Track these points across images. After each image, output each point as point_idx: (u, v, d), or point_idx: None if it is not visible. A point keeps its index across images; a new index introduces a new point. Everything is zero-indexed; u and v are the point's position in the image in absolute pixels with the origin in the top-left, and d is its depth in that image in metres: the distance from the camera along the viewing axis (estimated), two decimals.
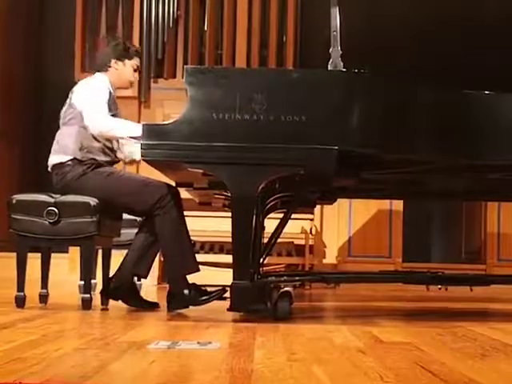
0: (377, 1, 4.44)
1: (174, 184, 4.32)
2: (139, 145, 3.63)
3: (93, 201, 4.05)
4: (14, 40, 8.25)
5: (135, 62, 4.40)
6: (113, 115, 4.15)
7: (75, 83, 4.45)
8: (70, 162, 4.15)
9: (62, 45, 8.63)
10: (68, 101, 4.25)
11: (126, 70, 4.37)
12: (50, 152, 4.25)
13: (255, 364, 2.31)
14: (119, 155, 4.40)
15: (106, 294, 4.26)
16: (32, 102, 8.97)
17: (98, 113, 4.09)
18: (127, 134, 3.98)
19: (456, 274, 5.02)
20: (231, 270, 3.65)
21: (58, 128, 4.28)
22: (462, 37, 4.35)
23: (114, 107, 4.25)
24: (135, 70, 4.42)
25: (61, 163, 4.17)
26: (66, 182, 4.15)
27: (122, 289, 4.22)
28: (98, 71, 4.38)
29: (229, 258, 4.02)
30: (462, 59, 4.32)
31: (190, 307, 4.05)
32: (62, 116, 4.26)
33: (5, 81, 8.04)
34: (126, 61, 4.37)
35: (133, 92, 7.43)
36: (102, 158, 4.19)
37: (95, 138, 4.16)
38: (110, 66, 4.35)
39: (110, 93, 4.25)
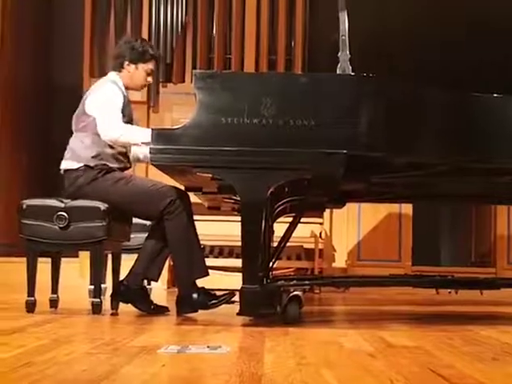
0: (382, 5, 4.43)
1: (183, 188, 4.32)
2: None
3: (103, 205, 4.05)
4: (21, 44, 8.26)
5: (149, 66, 4.34)
6: (126, 122, 4.16)
7: (84, 87, 4.43)
8: (81, 168, 4.16)
9: (70, 49, 8.66)
10: (81, 106, 4.22)
11: (138, 73, 4.32)
12: (59, 157, 4.25)
13: (265, 368, 2.31)
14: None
15: (117, 298, 4.27)
16: (40, 107, 8.99)
17: (111, 120, 4.08)
18: (139, 139, 3.98)
19: (466, 277, 5.01)
20: (240, 274, 3.65)
21: (70, 133, 4.25)
22: (468, 40, 4.34)
23: (127, 112, 4.23)
24: (148, 74, 4.37)
25: (72, 169, 4.18)
26: (77, 187, 4.15)
27: (132, 292, 4.23)
28: (113, 69, 4.36)
29: (238, 262, 4.02)
30: (469, 62, 4.31)
31: (199, 311, 4.05)
32: (75, 121, 4.23)
33: (13, 85, 8.06)
34: (140, 64, 4.31)
35: (142, 97, 7.43)
36: (114, 164, 4.18)
37: (109, 145, 4.15)
38: (123, 68, 4.32)
39: (124, 96, 4.24)
